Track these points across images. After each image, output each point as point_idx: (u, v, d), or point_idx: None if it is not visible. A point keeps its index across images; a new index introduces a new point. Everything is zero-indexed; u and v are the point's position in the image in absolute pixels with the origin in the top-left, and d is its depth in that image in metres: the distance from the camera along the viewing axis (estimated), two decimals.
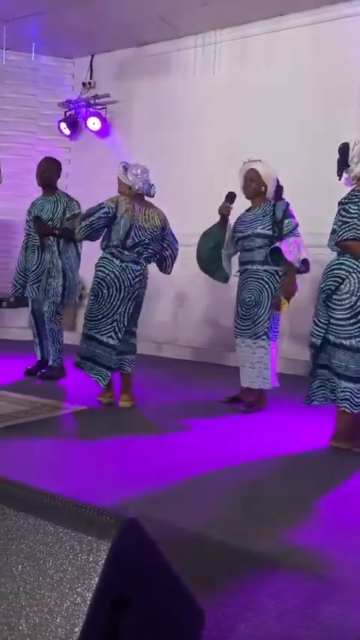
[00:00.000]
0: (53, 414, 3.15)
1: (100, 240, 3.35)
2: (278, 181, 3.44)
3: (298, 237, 3.29)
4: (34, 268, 4.15)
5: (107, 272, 3.23)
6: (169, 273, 3.57)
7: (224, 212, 3.45)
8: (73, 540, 0.85)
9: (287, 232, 3.28)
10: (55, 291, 4.08)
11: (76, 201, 4.18)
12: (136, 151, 6.06)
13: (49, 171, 4.23)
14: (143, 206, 3.33)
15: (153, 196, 3.40)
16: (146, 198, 3.39)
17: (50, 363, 4.18)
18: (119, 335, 3.23)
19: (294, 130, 5.00)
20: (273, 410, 3.44)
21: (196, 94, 5.65)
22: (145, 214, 3.30)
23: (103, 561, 0.82)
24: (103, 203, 3.26)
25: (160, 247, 3.41)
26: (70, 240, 4.10)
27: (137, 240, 3.25)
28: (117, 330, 3.23)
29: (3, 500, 0.94)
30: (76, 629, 0.79)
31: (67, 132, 6.37)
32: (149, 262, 3.40)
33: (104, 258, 3.29)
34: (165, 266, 3.50)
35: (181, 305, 5.68)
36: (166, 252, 3.45)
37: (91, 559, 0.83)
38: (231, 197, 3.44)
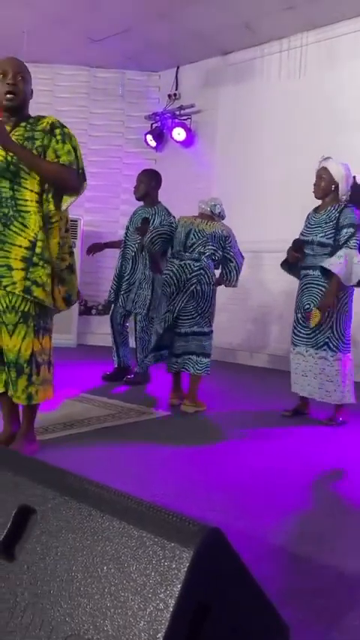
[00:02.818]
0: (139, 418, 3.22)
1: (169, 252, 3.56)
2: (355, 181, 3.27)
3: (353, 250, 3.09)
4: (127, 277, 4.26)
5: (168, 272, 3.44)
6: (235, 286, 3.58)
7: (290, 260, 3.33)
8: (156, 546, 0.86)
9: (342, 243, 3.10)
10: (144, 302, 4.17)
11: (174, 217, 4.22)
12: (220, 159, 6.10)
13: (143, 183, 4.32)
14: (206, 219, 3.49)
15: (219, 215, 3.53)
16: (217, 220, 3.52)
17: (136, 369, 4.27)
18: (165, 325, 3.41)
19: None
20: (353, 423, 3.31)
21: (281, 99, 5.58)
22: (206, 223, 3.46)
23: (186, 569, 0.82)
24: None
25: (223, 256, 3.46)
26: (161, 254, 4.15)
27: (196, 240, 3.39)
28: (166, 320, 3.41)
29: (90, 502, 0.97)
30: (159, 635, 0.79)
31: (153, 144, 6.53)
32: (213, 261, 3.43)
33: (168, 262, 3.49)
34: (229, 278, 3.51)
35: (273, 314, 5.60)
36: (231, 265, 3.48)
37: (174, 565, 0.83)
38: (296, 244, 3.27)
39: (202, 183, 5.84)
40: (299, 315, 3.30)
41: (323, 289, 3.16)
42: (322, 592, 1.45)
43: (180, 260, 3.39)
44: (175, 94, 6.47)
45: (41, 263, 2.24)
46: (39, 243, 2.24)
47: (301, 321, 3.28)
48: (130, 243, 4.30)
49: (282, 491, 2.21)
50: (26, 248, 2.24)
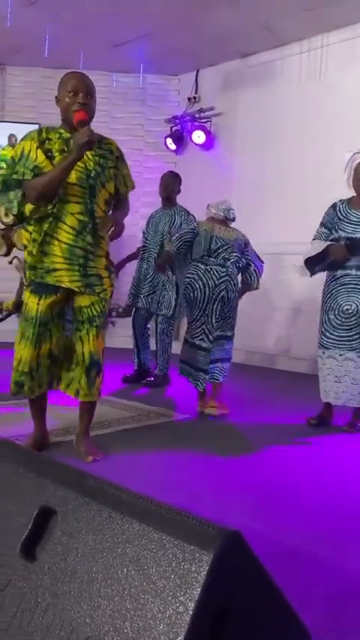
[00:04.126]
0: (158, 420, 3.22)
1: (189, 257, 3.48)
2: None
3: None
4: (149, 279, 4.26)
5: (192, 276, 3.36)
6: (257, 288, 3.54)
7: (341, 261, 3.12)
8: (175, 548, 0.85)
9: None
10: (169, 304, 4.18)
11: (193, 216, 4.24)
12: (240, 162, 6.09)
13: (172, 185, 4.35)
14: (223, 226, 3.45)
15: (233, 220, 3.49)
16: (230, 225, 3.49)
17: (156, 371, 4.28)
18: (210, 337, 3.31)
19: None
20: None
21: (301, 101, 5.55)
22: (225, 230, 3.42)
23: (206, 572, 0.81)
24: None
25: (245, 262, 3.44)
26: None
27: (220, 244, 3.34)
28: (207, 332, 3.32)
29: (109, 503, 0.97)
30: (179, 639, 0.79)
31: (173, 147, 6.55)
32: (237, 268, 3.40)
33: (191, 266, 3.41)
34: (251, 281, 3.48)
35: (295, 316, 5.57)
36: (250, 268, 3.47)
37: (194, 568, 0.82)
38: (355, 246, 3.09)
39: (222, 186, 5.82)
40: (332, 316, 3.15)
41: None
42: (342, 597, 1.43)
43: (205, 265, 3.33)
44: (194, 97, 6.49)
45: (112, 269, 2.46)
46: (108, 253, 2.43)
47: (334, 323, 3.13)
48: (150, 246, 4.31)
49: (301, 495, 2.19)
50: (105, 257, 2.41)
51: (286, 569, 1.52)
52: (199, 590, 0.81)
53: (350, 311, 3.09)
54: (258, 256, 3.52)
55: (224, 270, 3.32)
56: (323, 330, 3.20)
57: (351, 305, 3.09)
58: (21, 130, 6.61)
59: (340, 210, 3.21)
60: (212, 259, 3.34)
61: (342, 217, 3.19)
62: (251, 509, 1.99)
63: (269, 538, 1.74)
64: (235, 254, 3.36)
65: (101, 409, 3.36)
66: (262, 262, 3.52)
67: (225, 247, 3.35)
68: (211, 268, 3.32)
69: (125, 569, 0.88)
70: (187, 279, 3.41)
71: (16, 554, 0.99)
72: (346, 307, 3.10)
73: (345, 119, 5.14)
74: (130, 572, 0.88)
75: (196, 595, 0.81)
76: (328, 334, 3.17)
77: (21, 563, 0.98)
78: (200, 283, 3.31)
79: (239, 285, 3.43)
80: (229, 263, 3.34)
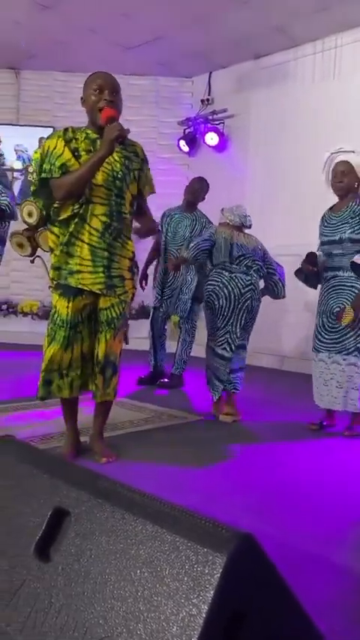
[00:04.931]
0: (172, 422, 3.22)
1: (209, 263, 3.43)
2: None
3: None
4: (169, 283, 4.26)
5: (216, 284, 3.29)
6: (284, 297, 3.50)
7: (305, 271, 3.23)
8: (189, 550, 0.85)
9: None
10: (186, 306, 4.19)
11: (212, 224, 4.24)
12: (254, 163, 6.07)
13: (200, 191, 4.34)
14: (241, 232, 3.40)
15: (249, 227, 3.45)
16: (245, 230, 3.45)
17: (173, 371, 4.29)
18: (232, 346, 3.26)
19: None
20: None
21: (315, 101, 5.52)
22: (243, 236, 3.38)
23: (219, 575, 0.81)
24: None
25: (267, 271, 3.40)
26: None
27: (242, 252, 3.30)
28: (230, 341, 3.27)
29: (123, 505, 0.97)
30: None
31: (186, 149, 6.55)
32: (260, 276, 3.37)
33: (214, 272, 3.35)
34: (277, 291, 3.46)
35: (308, 318, 5.53)
36: (275, 277, 3.43)
37: (207, 571, 0.82)
38: (310, 258, 3.16)
39: (235, 188, 5.82)
40: (324, 319, 3.13)
41: (354, 290, 3.01)
42: (343, 598, 1.42)
43: (230, 272, 3.27)
44: (207, 99, 6.49)
45: (136, 270, 2.46)
46: (134, 254, 2.43)
47: (327, 326, 3.11)
48: (171, 249, 4.29)
49: (306, 496, 2.17)
50: (129, 259, 2.40)
51: (301, 575, 1.51)
52: (212, 592, 0.80)
53: (338, 313, 3.06)
54: (277, 263, 3.48)
55: (249, 278, 3.28)
56: (317, 333, 3.19)
57: (340, 307, 3.05)
58: (36, 134, 6.67)
59: (324, 218, 3.24)
60: (235, 266, 3.29)
61: (325, 224, 3.20)
62: (265, 513, 1.98)
63: (283, 542, 1.73)
64: (257, 262, 3.33)
65: (115, 411, 3.37)
66: (282, 267, 3.48)
67: (247, 255, 3.30)
68: (235, 276, 3.26)
69: (138, 571, 0.88)
70: (210, 287, 3.33)
71: (30, 555, 1.00)
72: (336, 310, 3.07)
73: (359, 120, 5.10)
74: (144, 574, 0.87)
75: (209, 597, 0.80)
76: (320, 337, 3.15)
77: (35, 563, 0.99)
78: (225, 291, 3.25)
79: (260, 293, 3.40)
80: (252, 271, 3.30)
